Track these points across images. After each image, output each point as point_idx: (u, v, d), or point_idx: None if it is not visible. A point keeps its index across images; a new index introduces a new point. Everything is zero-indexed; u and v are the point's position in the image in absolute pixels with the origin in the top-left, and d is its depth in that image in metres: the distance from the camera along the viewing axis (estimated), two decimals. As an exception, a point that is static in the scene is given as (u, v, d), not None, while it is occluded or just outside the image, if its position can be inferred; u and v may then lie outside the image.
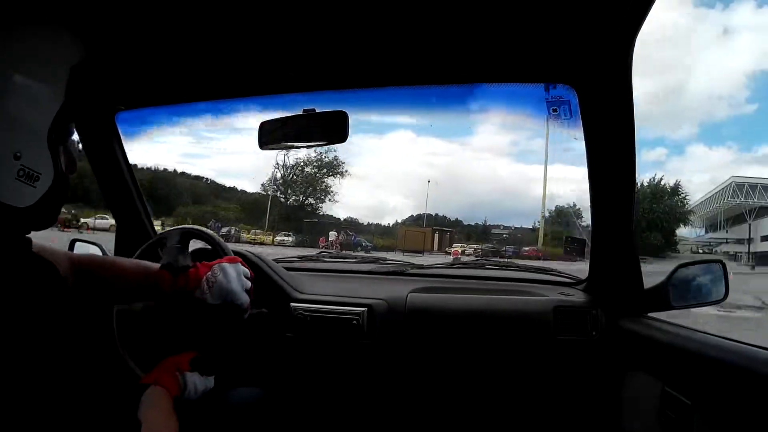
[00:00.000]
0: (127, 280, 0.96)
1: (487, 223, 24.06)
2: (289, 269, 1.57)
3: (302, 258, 1.88)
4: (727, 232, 37.22)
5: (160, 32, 1.05)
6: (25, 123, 0.63)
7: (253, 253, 1.49)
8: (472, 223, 24.78)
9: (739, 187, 34.38)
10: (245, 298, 0.98)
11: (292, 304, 1.39)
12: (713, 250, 35.80)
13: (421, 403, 1.41)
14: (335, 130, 1.18)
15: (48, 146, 0.65)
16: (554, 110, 1.15)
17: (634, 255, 1.22)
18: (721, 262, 1.23)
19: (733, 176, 35.88)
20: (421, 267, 1.76)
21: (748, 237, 33.56)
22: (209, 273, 0.95)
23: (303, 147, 1.24)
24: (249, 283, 1.00)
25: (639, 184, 26.52)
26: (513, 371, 1.35)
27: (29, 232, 0.68)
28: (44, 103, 0.65)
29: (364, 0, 0.91)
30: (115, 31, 1.01)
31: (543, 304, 1.34)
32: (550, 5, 0.87)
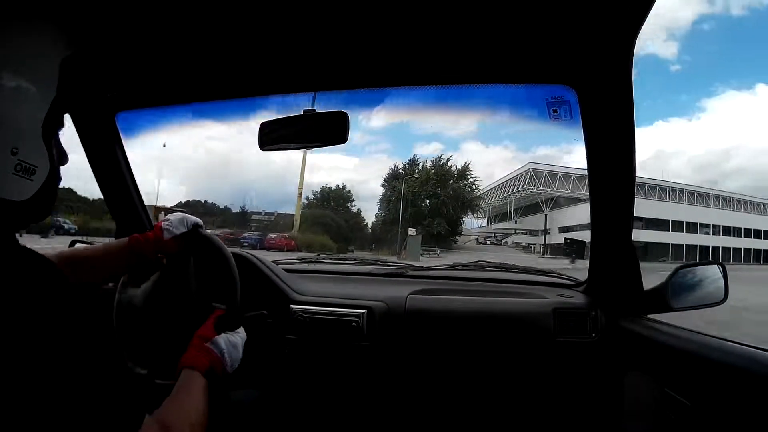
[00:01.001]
0: (110, 257, 1.03)
1: (246, 209, 24.63)
2: (288, 271, 1.57)
3: (302, 260, 1.88)
4: (516, 222, 34.65)
5: (160, 32, 1.05)
6: (20, 118, 0.64)
7: (253, 255, 1.48)
8: (239, 210, 25.35)
9: (537, 174, 32.23)
10: (197, 219, 1.12)
11: (292, 306, 1.39)
12: (502, 240, 33.16)
13: (421, 405, 1.41)
14: (335, 130, 1.18)
15: (42, 139, 0.67)
16: (554, 111, 1.15)
17: (634, 257, 1.22)
18: (720, 264, 1.23)
19: (531, 162, 33.61)
20: (421, 269, 1.76)
21: (544, 227, 31.10)
22: (164, 220, 1.09)
23: (303, 148, 1.24)
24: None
25: (421, 165, 25.00)
26: (513, 373, 1.35)
27: (27, 226, 0.70)
28: (37, 97, 0.66)
29: (365, 1, 0.91)
30: (116, 31, 1.02)
31: (542, 305, 1.34)
32: (551, 6, 0.87)
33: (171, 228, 1.06)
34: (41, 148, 0.67)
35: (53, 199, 0.72)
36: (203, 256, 1.13)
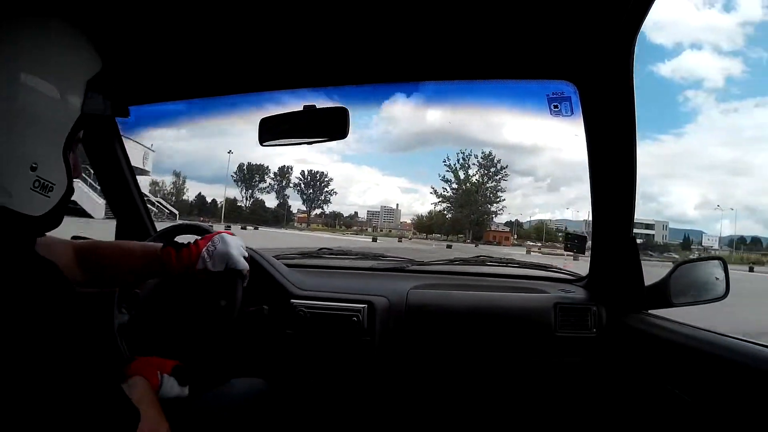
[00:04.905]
0: (133, 261, 0.99)
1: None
2: (289, 266, 1.57)
3: (303, 254, 1.88)
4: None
5: (159, 30, 1.04)
6: (44, 135, 0.64)
7: (253, 250, 1.48)
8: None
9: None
10: (245, 264, 1.04)
11: (293, 300, 1.39)
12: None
13: (422, 400, 1.41)
14: (336, 126, 1.18)
15: (63, 157, 0.67)
16: (555, 107, 1.14)
17: (635, 252, 1.21)
18: (722, 259, 1.23)
19: None
20: (422, 263, 1.75)
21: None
22: (209, 243, 1.01)
23: (303, 143, 1.24)
24: (246, 253, 1.07)
25: None
26: (514, 368, 1.35)
27: (37, 237, 0.70)
28: (62, 115, 0.65)
29: None
30: (115, 29, 1.01)
31: (544, 300, 1.34)
32: (552, 2, 0.86)
33: (208, 261, 0.99)
34: (61, 166, 0.67)
35: (64, 212, 0.71)
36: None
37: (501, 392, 1.38)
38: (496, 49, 1.07)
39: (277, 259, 1.57)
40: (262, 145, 1.26)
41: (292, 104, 1.23)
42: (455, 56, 1.12)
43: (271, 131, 1.25)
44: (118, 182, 1.56)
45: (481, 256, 1.83)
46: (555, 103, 1.14)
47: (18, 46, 0.61)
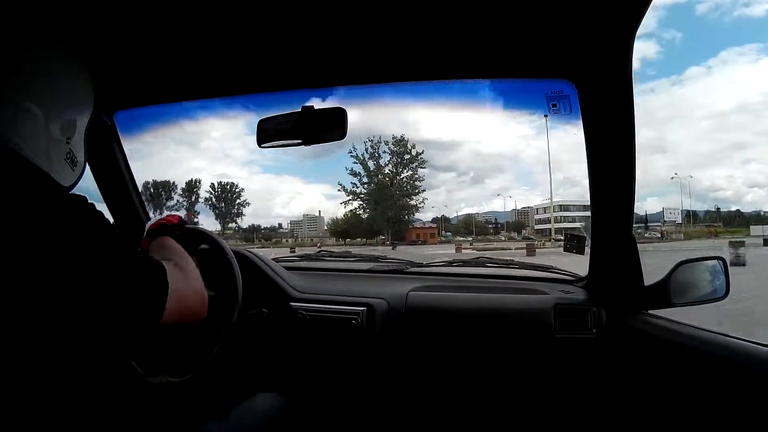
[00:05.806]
0: None
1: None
2: (288, 269, 1.56)
3: (302, 257, 1.88)
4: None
5: (158, 30, 1.04)
6: (74, 118, 0.77)
7: (252, 253, 1.48)
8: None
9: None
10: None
11: (292, 303, 1.39)
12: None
13: (422, 402, 1.41)
14: (334, 126, 1.18)
15: (84, 139, 0.80)
16: (554, 105, 1.14)
17: (634, 252, 1.21)
18: (722, 259, 1.22)
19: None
20: (421, 265, 1.75)
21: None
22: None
23: (302, 144, 1.23)
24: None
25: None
26: (514, 370, 1.34)
27: None
28: (85, 103, 0.81)
29: None
30: (114, 29, 1.01)
31: (544, 301, 1.33)
32: (551, 0, 0.86)
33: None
34: (82, 147, 0.80)
35: None
36: (204, 253, 1.12)
37: (501, 394, 1.37)
38: (495, 48, 1.07)
39: (277, 262, 1.57)
40: (260, 146, 1.26)
41: (290, 105, 1.24)
42: (454, 55, 1.12)
43: (270, 132, 1.24)
44: (116, 182, 1.55)
45: (481, 257, 1.83)
46: (554, 102, 1.14)
47: (42, 70, 0.72)
